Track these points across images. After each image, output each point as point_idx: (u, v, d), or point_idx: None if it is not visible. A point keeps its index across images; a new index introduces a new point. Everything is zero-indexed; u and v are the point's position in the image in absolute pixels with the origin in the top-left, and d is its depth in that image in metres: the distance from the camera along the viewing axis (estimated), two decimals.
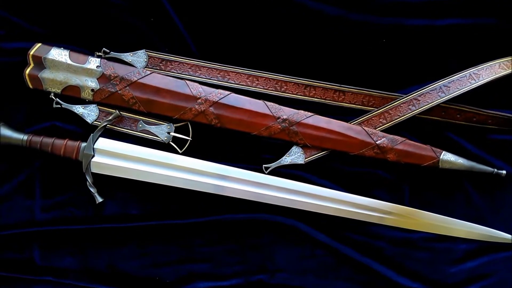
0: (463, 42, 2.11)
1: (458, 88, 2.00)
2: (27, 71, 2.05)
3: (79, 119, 2.08)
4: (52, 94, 2.07)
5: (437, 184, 2.09)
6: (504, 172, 2.02)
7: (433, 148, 2.02)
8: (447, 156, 2.02)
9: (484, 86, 2.00)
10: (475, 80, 2.00)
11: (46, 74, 2.05)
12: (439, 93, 2.00)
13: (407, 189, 2.09)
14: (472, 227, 2.03)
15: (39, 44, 2.06)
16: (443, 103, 2.02)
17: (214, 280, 2.06)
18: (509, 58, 2.04)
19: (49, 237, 2.06)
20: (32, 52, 2.04)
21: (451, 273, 2.04)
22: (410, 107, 2.03)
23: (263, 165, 2.07)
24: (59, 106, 2.07)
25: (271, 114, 2.04)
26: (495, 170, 2.02)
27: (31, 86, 2.06)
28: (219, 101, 2.04)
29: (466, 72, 2.00)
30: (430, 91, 2.01)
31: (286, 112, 2.05)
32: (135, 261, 2.07)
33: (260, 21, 2.12)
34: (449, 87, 2.00)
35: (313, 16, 2.09)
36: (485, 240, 2.03)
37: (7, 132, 2.02)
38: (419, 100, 2.02)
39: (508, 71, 2.02)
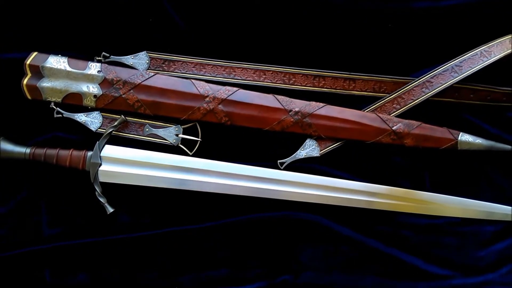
0: (470, 21, 2.08)
1: (470, 67, 1.97)
2: (25, 81, 1.96)
3: (82, 127, 1.99)
4: (52, 103, 1.98)
5: (457, 166, 2.05)
6: None
7: (450, 130, 1.98)
8: (465, 137, 1.98)
9: (494, 63, 1.97)
10: (487, 57, 1.96)
11: (45, 83, 1.96)
12: (452, 73, 1.97)
13: (427, 174, 2.05)
14: (494, 208, 1.98)
15: (36, 53, 1.98)
16: (455, 84, 1.98)
17: (235, 285, 1.97)
18: None
19: (59, 253, 1.96)
20: (28, 61, 1.96)
21: (480, 257, 1.99)
22: (423, 90, 1.98)
23: (278, 161, 2.01)
24: (60, 115, 1.99)
25: (282, 107, 1.98)
26: None
27: (29, 97, 1.98)
28: (228, 98, 1.97)
29: (477, 50, 1.97)
30: (443, 72, 1.97)
31: (297, 105, 1.99)
32: (152, 271, 1.97)
33: (264, 12, 2.07)
34: (462, 66, 1.97)
35: (318, 5, 2.04)
36: (510, 220, 1.98)
37: (8, 147, 1.93)
38: (432, 82, 1.98)
39: None
